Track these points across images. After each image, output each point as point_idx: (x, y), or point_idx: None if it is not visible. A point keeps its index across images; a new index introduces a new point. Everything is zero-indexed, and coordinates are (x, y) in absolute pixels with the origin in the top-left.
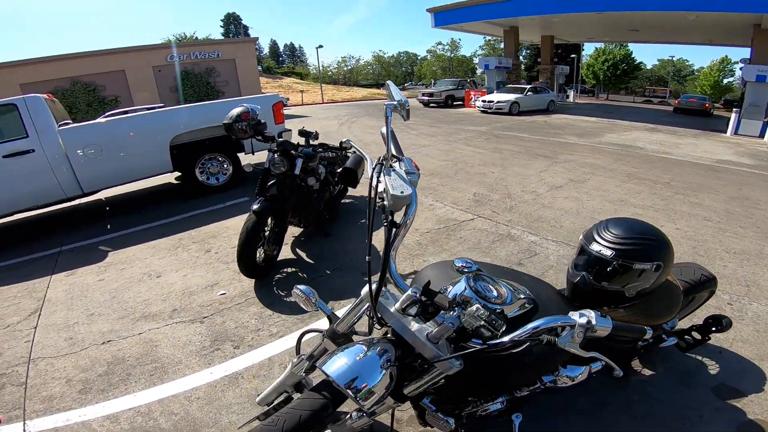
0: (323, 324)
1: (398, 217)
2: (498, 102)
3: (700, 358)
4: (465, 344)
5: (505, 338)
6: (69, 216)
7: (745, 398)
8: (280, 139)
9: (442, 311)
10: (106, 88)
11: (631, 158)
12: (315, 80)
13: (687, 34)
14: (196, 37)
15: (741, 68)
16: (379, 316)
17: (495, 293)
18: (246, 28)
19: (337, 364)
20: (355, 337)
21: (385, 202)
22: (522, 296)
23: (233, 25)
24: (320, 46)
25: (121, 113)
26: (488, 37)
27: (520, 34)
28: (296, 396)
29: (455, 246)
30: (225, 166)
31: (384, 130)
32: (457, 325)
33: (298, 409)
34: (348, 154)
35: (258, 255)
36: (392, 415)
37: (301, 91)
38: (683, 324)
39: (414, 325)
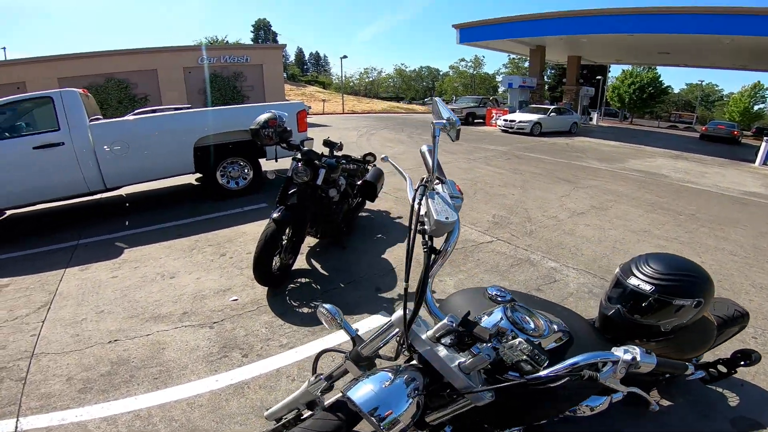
0: (333, 339)
1: (437, 243)
2: (520, 122)
3: (720, 390)
4: (500, 377)
5: (545, 372)
6: (90, 210)
7: (764, 430)
8: (305, 149)
9: (479, 342)
10: (138, 86)
11: (655, 186)
12: (337, 90)
13: (720, 59)
14: (227, 41)
15: None
16: (410, 342)
17: (532, 325)
18: (275, 34)
19: (362, 391)
20: (378, 361)
21: (426, 227)
22: (557, 328)
23: (263, 31)
24: (345, 57)
25: (149, 112)
26: (512, 56)
27: (547, 54)
28: (306, 413)
29: (472, 268)
30: (246, 170)
31: (424, 148)
32: (494, 357)
33: (311, 429)
34: (368, 168)
35: (274, 263)
36: None
37: (323, 100)
38: (707, 356)
39: (444, 354)
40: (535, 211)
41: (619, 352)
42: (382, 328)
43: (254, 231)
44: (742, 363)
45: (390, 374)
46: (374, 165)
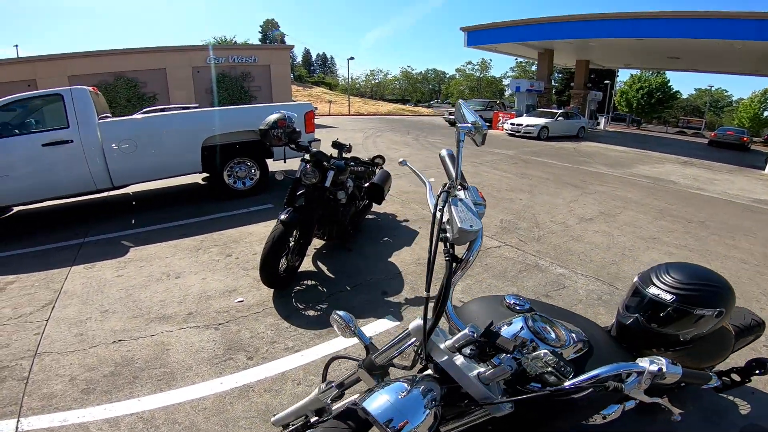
0: (339, 343)
1: (458, 251)
2: (527, 126)
3: (731, 398)
4: (521, 388)
5: (569, 383)
6: (97, 207)
7: None
8: (314, 150)
9: (500, 353)
10: (147, 84)
11: (664, 193)
12: (343, 91)
13: (731, 64)
14: (235, 41)
15: None
16: (428, 352)
17: (553, 335)
18: (283, 35)
19: (378, 402)
20: (392, 370)
21: (449, 235)
22: (577, 338)
23: (271, 31)
24: (351, 58)
25: (157, 111)
26: (520, 59)
27: (555, 58)
28: (314, 419)
29: (480, 273)
30: (253, 171)
31: (444, 152)
32: (515, 368)
33: None
34: (375, 170)
35: (280, 265)
36: None
37: (330, 102)
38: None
39: (462, 363)
40: (542, 216)
41: (645, 363)
42: (397, 337)
43: (260, 232)
44: (757, 372)
45: (406, 384)
46: (382, 168)
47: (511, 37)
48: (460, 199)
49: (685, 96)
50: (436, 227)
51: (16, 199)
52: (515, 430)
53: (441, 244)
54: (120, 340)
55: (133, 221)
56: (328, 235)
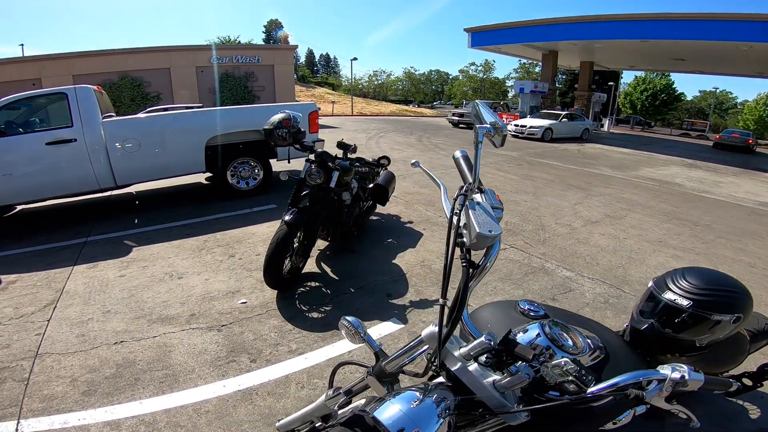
0: (343, 346)
1: (474, 256)
2: (531, 127)
3: (741, 402)
4: (539, 396)
5: (589, 390)
6: (99, 207)
7: None
8: (319, 150)
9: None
10: (151, 84)
11: (670, 195)
12: (346, 92)
13: (736, 66)
14: (239, 41)
15: None
16: (442, 361)
17: (570, 342)
18: (287, 35)
19: (390, 411)
20: (402, 377)
21: (465, 240)
22: (593, 345)
23: (275, 31)
24: (355, 59)
25: (161, 110)
26: (523, 60)
27: (559, 59)
28: (319, 425)
29: (486, 275)
30: (256, 171)
31: (458, 154)
32: (533, 377)
33: None
34: (380, 171)
35: (284, 266)
36: None
37: (333, 102)
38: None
39: (477, 371)
40: (548, 218)
41: (666, 370)
42: (409, 344)
43: (264, 232)
44: None
45: (418, 393)
46: (386, 168)
47: (516, 38)
48: (478, 203)
49: (689, 98)
50: (453, 231)
51: (19, 197)
52: None
53: (456, 250)
54: (122, 341)
55: (136, 221)
56: (332, 237)
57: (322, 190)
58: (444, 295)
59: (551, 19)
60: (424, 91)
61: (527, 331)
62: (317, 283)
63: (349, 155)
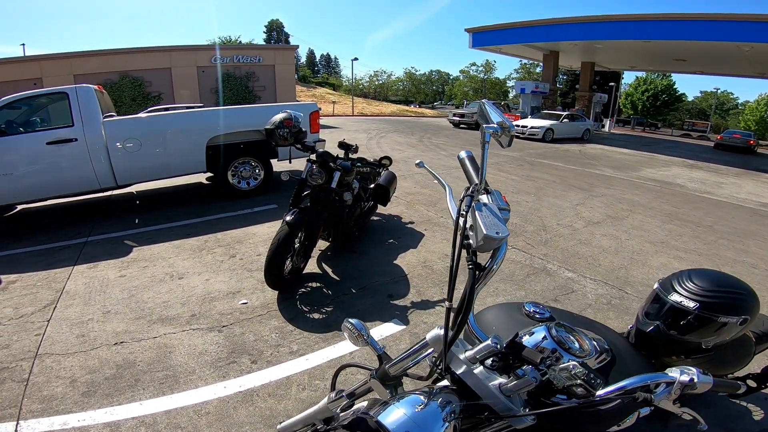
0: (345, 347)
1: (481, 259)
2: (532, 127)
3: (744, 404)
4: (545, 399)
5: (598, 394)
6: (100, 206)
7: None
8: (321, 150)
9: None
10: (152, 84)
11: (671, 196)
12: (347, 92)
13: (738, 66)
14: (240, 41)
15: None
16: (447, 364)
17: (577, 345)
18: (287, 35)
19: (394, 415)
20: (406, 381)
21: (472, 241)
22: (599, 347)
23: (276, 32)
24: (356, 59)
25: (162, 110)
26: (524, 61)
27: (560, 59)
28: (321, 427)
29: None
30: (257, 171)
31: (463, 154)
32: (540, 380)
33: None
34: (381, 171)
35: (285, 267)
36: None
37: (333, 102)
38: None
39: (482, 374)
40: (549, 219)
41: (675, 373)
42: (413, 347)
43: (264, 232)
44: None
45: (422, 397)
46: (387, 169)
47: (517, 38)
48: (485, 204)
49: (690, 98)
50: (460, 233)
51: (19, 197)
52: None
53: (462, 251)
54: (122, 342)
55: (136, 221)
56: (333, 237)
57: (323, 191)
58: (450, 298)
59: (552, 19)
60: (424, 91)
61: (533, 333)
62: (318, 284)
63: (350, 155)
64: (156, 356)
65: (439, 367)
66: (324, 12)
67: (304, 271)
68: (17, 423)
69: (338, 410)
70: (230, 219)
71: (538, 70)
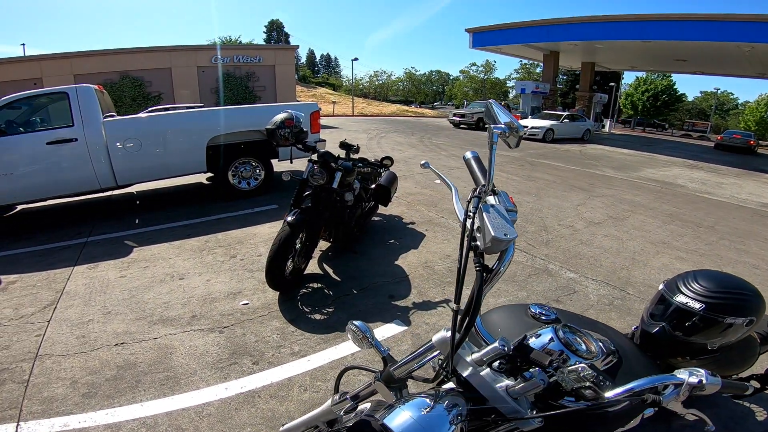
0: (347, 347)
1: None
2: (532, 128)
3: (747, 404)
4: (553, 402)
5: (607, 396)
6: (100, 207)
7: None
8: (322, 150)
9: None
10: (152, 84)
11: (672, 197)
12: (347, 92)
13: (738, 66)
14: (240, 41)
15: None
16: (454, 367)
17: (584, 347)
18: (287, 35)
19: (400, 418)
20: (411, 383)
21: (479, 243)
22: (606, 349)
23: (276, 32)
24: (356, 59)
25: (162, 110)
26: (524, 61)
27: (561, 60)
28: (324, 430)
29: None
30: (258, 171)
31: (469, 155)
32: (547, 382)
33: None
34: (382, 171)
35: (286, 268)
36: None
37: (333, 102)
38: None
39: (489, 377)
40: (550, 219)
41: (684, 375)
42: (419, 349)
43: (265, 233)
44: None
45: (428, 400)
46: (389, 169)
47: (517, 38)
48: (492, 205)
49: (690, 99)
50: (466, 236)
51: (19, 197)
52: None
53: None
54: (123, 343)
55: (136, 221)
56: (334, 237)
57: (324, 191)
58: (458, 301)
59: (553, 19)
60: (424, 91)
61: (540, 335)
62: (319, 285)
63: (351, 155)
64: (157, 357)
65: (446, 370)
66: (324, 12)
67: (305, 272)
68: (17, 424)
69: (341, 413)
70: (231, 219)
71: (538, 70)
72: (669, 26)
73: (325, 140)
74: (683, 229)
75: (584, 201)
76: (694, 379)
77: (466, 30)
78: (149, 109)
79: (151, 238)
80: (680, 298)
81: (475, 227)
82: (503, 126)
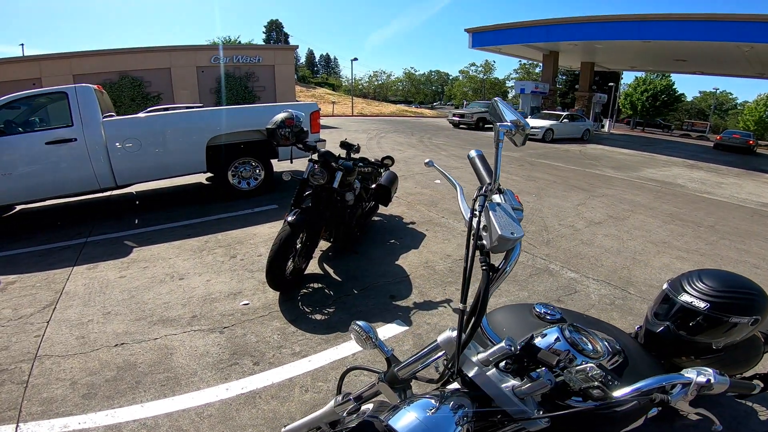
0: (348, 348)
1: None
2: (532, 127)
3: (750, 403)
4: (560, 402)
5: (615, 395)
6: (100, 207)
7: None
8: (323, 150)
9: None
10: (152, 84)
11: (672, 197)
12: (346, 92)
13: (737, 66)
14: (240, 41)
15: None
16: (459, 367)
17: (590, 346)
18: (287, 36)
19: (405, 420)
20: (415, 383)
21: (486, 242)
22: (612, 348)
23: (275, 32)
24: (355, 59)
25: (161, 110)
26: (523, 61)
27: (560, 60)
28: (327, 431)
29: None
30: (257, 171)
31: (473, 153)
32: (554, 382)
33: None
34: (382, 171)
35: (287, 268)
36: None
37: (333, 103)
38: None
39: (495, 377)
40: (551, 219)
41: (692, 374)
42: (424, 350)
43: (265, 233)
44: None
45: (433, 401)
46: (389, 169)
47: (517, 38)
48: (498, 204)
49: (689, 99)
50: (474, 234)
51: (18, 197)
52: None
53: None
54: (122, 344)
55: (136, 221)
56: (335, 237)
57: (325, 191)
58: (464, 300)
59: (552, 19)
60: (424, 91)
61: (546, 335)
62: (320, 285)
63: (352, 155)
64: (157, 358)
65: (451, 370)
66: (323, 12)
67: (306, 272)
68: (17, 426)
69: (344, 414)
70: (231, 219)
71: (538, 70)
72: (668, 26)
73: (325, 140)
74: (683, 228)
75: (584, 201)
76: (702, 379)
77: (466, 30)
78: (148, 109)
79: (150, 239)
80: (685, 298)
81: (481, 226)
82: (509, 124)
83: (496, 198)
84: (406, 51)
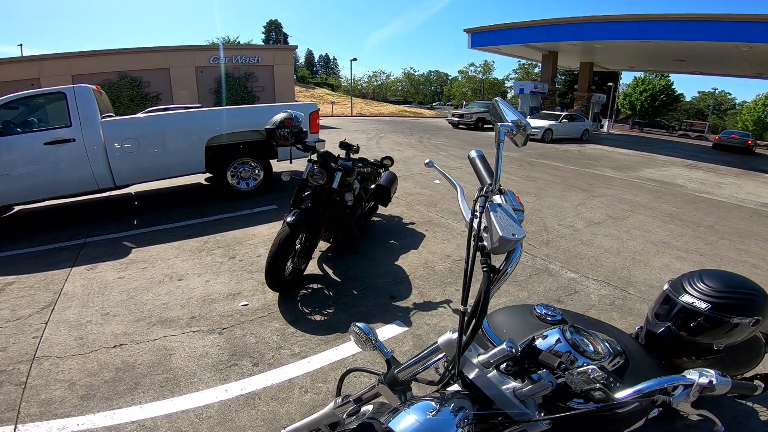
0: (347, 349)
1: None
2: (531, 128)
3: (751, 404)
4: (561, 404)
5: (617, 397)
6: (98, 207)
7: None
8: (322, 150)
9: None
10: (151, 84)
11: (672, 197)
12: (345, 93)
13: (736, 66)
14: (239, 42)
15: None
16: (460, 369)
17: (591, 348)
18: (286, 36)
19: (406, 422)
20: (414, 385)
21: (486, 243)
22: (613, 350)
23: (274, 32)
24: (354, 59)
25: (160, 110)
26: (523, 61)
27: (559, 60)
28: None
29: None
30: (257, 171)
31: (473, 154)
32: (556, 384)
33: None
34: (382, 172)
35: (286, 268)
36: None
37: (332, 103)
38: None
39: (496, 379)
40: (551, 219)
41: (694, 375)
42: (424, 351)
43: (264, 233)
44: None
45: (434, 403)
46: (388, 169)
47: (516, 38)
48: (499, 205)
49: (688, 99)
50: (475, 235)
51: (17, 198)
52: None
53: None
54: (121, 345)
55: (135, 222)
56: (334, 238)
57: (324, 191)
58: (465, 302)
59: (551, 19)
60: (423, 91)
61: (547, 336)
62: (319, 285)
63: (351, 155)
64: (156, 359)
65: (452, 372)
66: (323, 12)
67: (305, 273)
68: (15, 427)
69: (344, 415)
70: (230, 220)
71: (537, 70)
72: (668, 26)
73: (324, 140)
74: (683, 228)
75: (584, 201)
76: (704, 380)
77: (465, 30)
78: (147, 109)
79: (149, 239)
80: (685, 298)
81: (481, 227)
82: (510, 124)
83: (497, 199)
84: (405, 51)
